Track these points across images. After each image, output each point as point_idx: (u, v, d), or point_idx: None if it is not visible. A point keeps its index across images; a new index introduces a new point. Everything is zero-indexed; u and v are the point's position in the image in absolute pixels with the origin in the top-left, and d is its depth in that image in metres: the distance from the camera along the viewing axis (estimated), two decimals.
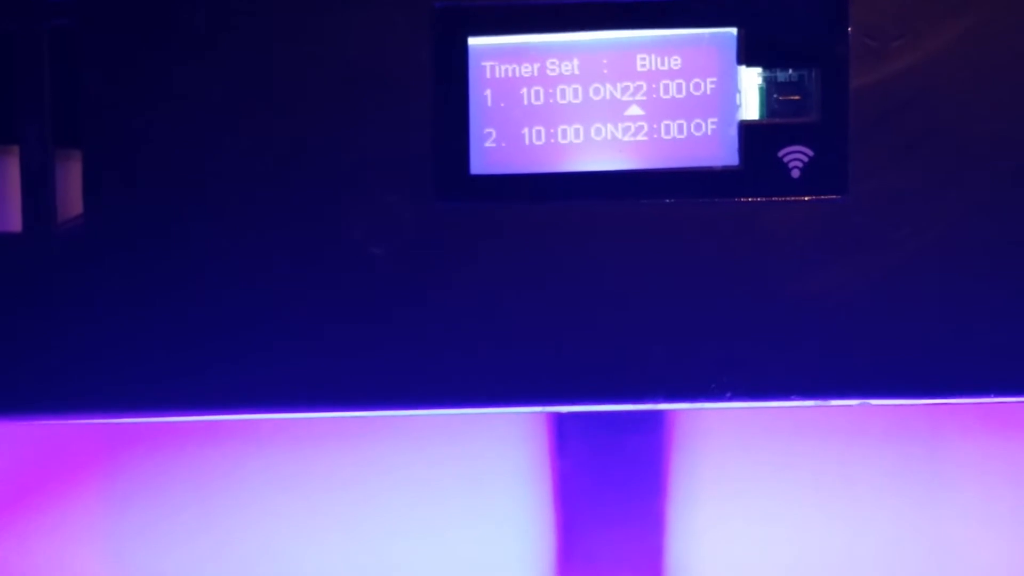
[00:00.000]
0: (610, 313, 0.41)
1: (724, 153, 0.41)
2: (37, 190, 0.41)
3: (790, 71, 0.41)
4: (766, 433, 0.53)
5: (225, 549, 0.54)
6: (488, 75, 0.41)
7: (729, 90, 0.41)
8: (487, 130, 0.41)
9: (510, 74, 0.41)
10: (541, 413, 0.53)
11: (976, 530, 0.53)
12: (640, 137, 0.41)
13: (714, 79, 0.41)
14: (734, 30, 0.40)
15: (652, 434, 0.53)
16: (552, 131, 0.41)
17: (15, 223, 0.42)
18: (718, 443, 0.53)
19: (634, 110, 0.41)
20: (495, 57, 0.41)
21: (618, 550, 0.54)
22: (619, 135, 0.41)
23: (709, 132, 0.41)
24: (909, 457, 0.53)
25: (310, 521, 0.54)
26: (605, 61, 0.41)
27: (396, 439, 0.54)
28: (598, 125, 0.41)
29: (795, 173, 0.41)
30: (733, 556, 0.54)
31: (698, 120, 0.41)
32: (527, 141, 0.41)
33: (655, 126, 0.41)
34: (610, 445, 0.53)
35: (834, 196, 0.41)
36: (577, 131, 0.41)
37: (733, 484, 0.53)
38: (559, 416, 0.53)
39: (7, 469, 0.54)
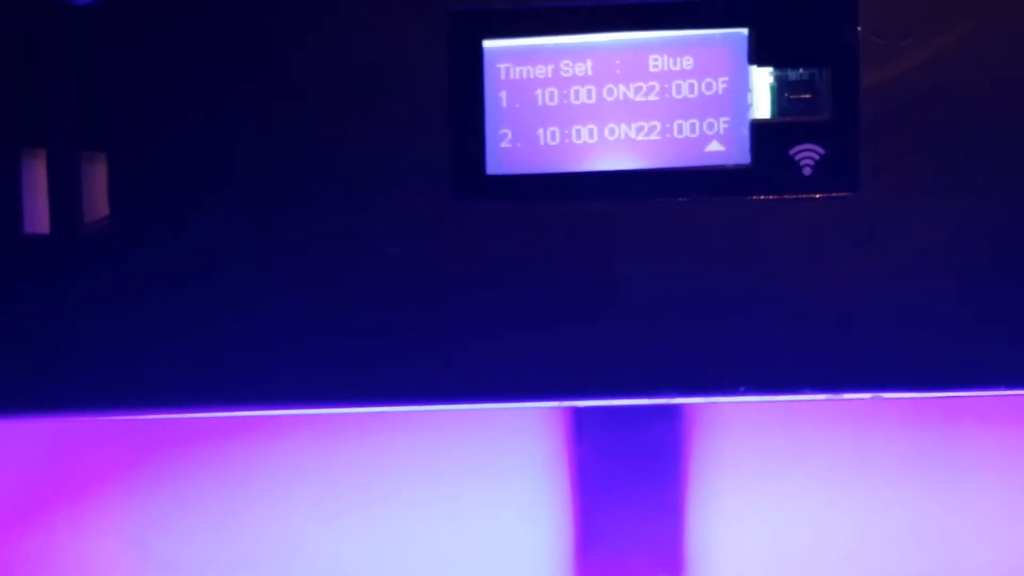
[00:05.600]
0: (624, 310, 0.42)
1: (736, 152, 0.41)
2: (64, 192, 0.42)
3: (801, 70, 0.41)
4: (783, 422, 0.53)
5: (248, 540, 0.54)
6: (503, 77, 0.41)
7: (741, 89, 0.41)
8: (503, 131, 0.41)
9: (525, 75, 0.41)
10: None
11: (991, 519, 0.54)
12: (653, 137, 0.41)
13: (726, 79, 0.41)
14: (745, 30, 0.41)
15: (670, 423, 0.54)
16: (566, 131, 0.41)
17: (43, 225, 0.42)
18: (735, 432, 0.53)
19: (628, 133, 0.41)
20: (510, 59, 0.41)
21: (636, 539, 0.54)
22: (632, 135, 0.41)
23: (721, 131, 0.41)
24: (924, 445, 0.53)
25: (331, 512, 0.54)
26: (618, 62, 0.41)
27: (415, 429, 0.54)
28: (612, 125, 0.41)
29: (806, 171, 0.41)
30: (750, 544, 0.54)
31: (710, 119, 0.41)
32: (542, 141, 0.41)
33: (668, 126, 0.41)
34: (628, 434, 0.53)
35: (845, 193, 0.41)
36: (591, 131, 0.41)
37: (750, 472, 0.54)
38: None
39: (35, 465, 0.54)
